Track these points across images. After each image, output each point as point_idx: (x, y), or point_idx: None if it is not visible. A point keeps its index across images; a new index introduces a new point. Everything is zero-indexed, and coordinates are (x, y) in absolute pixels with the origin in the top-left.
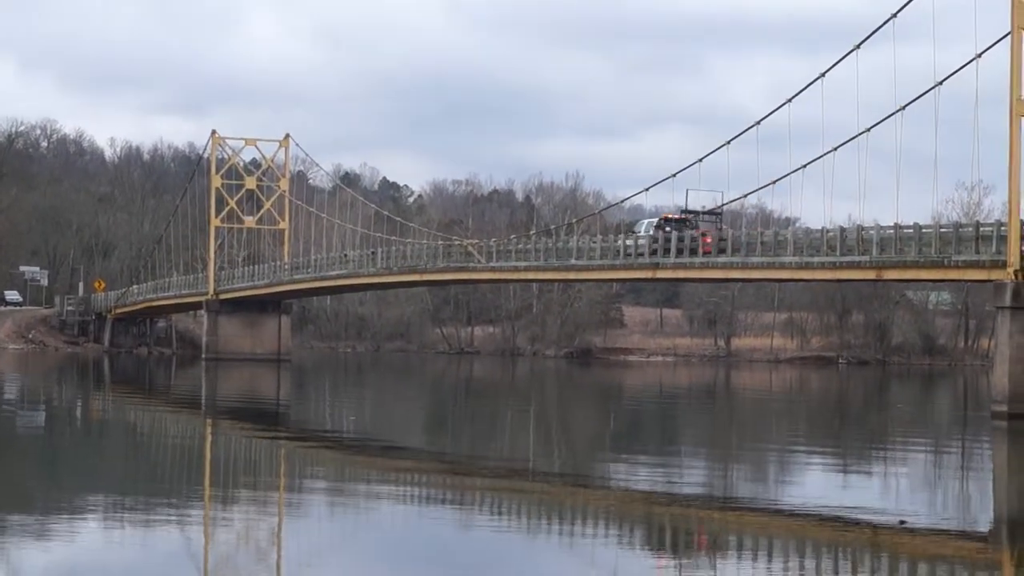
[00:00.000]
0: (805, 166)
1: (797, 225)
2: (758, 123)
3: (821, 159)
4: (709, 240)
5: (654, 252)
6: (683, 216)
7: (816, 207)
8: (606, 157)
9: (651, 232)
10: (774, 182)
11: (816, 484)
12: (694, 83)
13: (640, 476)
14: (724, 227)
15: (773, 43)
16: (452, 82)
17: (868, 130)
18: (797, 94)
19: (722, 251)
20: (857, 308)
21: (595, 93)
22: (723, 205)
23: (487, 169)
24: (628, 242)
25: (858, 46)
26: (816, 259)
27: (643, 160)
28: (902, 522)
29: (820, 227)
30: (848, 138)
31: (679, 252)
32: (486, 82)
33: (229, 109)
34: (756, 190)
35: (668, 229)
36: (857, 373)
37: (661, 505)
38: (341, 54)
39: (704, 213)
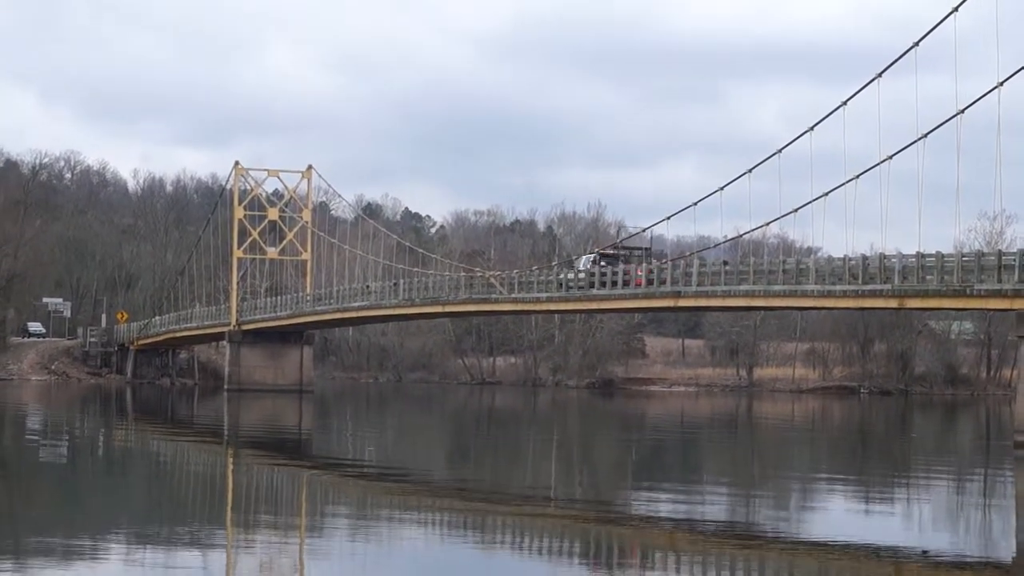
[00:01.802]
0: (827, 194)
1: (819, 254)
2: (780, 151)
3: (843, 188)
4: (640, 273)
5: (591, 285)
6: (616, 252)
7: (837, 237)
8: (625, 186)
9: (588, 267)
10: (796, 210)
11: (838, 515)
12: (711, 112)
13: (662, 506)
14: (654, 261)
15: (790, 72)
16: (473, 112)
17: (890, 158)
18: (820, 122)
19: (650, 282)
20: (879, 338)
21: (614, 122)
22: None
23: (509, 199)
24: (570, 275)
25: (880, 74)
26: (838, 287)
27: (662, 189)
28: (925, 553)
29: (842, 255)
30: (868, 167)
31: (614, 284)
32: (507, 111)
33: (251, 140)
34: (777, 219)
35: (604, 264)
36: (879, 403)
37: (683, 534)
38: (362, 85)
39: (634, 249)
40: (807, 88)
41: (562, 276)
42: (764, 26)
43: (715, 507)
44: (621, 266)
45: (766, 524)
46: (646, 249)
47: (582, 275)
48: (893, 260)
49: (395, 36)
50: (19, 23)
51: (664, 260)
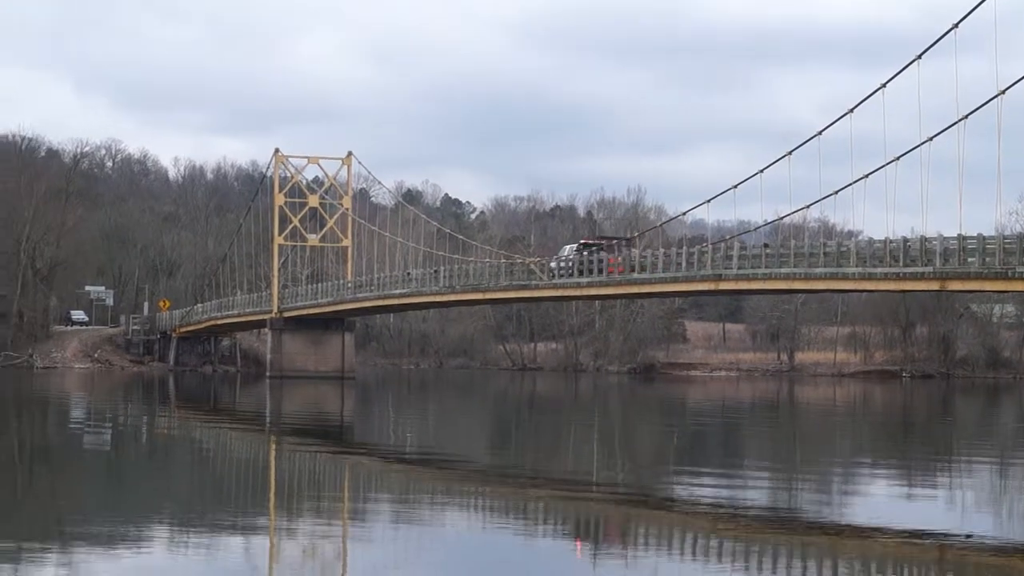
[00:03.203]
0: (867, 176)
1: (859, 238)
2: (819, 134)
3: (883, 170)
4: (614, 261)
5: (571, 273)
6: (597, 241)
7: (877, 220)
8: (662, 171)
9: (571, 255)
10: (836, 192)
11: (881, 499)
12: (747, 97)
13: (704, 492)
14: (634, 250)
15: (826, 57)
16: (510, 99)
17: (930, 139)
18: (859, 104)
19: (632, 269)
20: (921, 321)
21: (648, 108)
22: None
23: (549, 185)
24: (552, 264)
25: (920, 56)
26: (879, 270)
27: (699, 174)
28: (968, 536)
29: (883, 238)
30: (908, 149)
31: (591, 271)
32: (543, 98)
33: (289, 128)
34: (818, 201)
35: (586, 253)
36: (921, 387)
37: (725, 521)
38: (398, 73)
39: (614, 239)
40: (842, 74)
41: (552, 264)
42: (799, 11)
43: (757, 492)
44: (600, 254)
45: (808, 509)
46: (625, 239)
47: (563, 263)
48: (934, 242)
49: (429, 24)
50: (57, 13)
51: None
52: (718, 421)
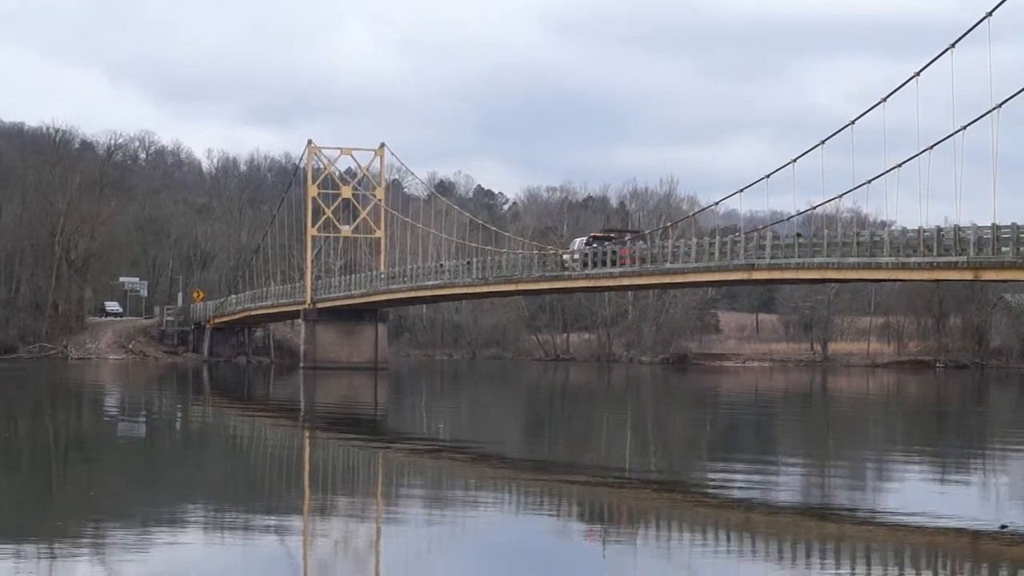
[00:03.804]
0: (900, 165)
1: (892, 227)
2: (852, 123)
3: (916, 160)
4: (625, 253)
5: (585, 264)
6: (607, 234)
7: (910, 210)
8: (695, 162)
9: (583, 248)
10: (869, 181)
11: (914, 490)
12: (778, 87)
13: (737, 482)
14: (640, 243)
15: (855, 46)
16: (544, 89)
17: (964, 128)
18: (892, 93)
19: (643, 261)
20: (954, 311)
21: (683, 98)
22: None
23: (581, 175)
24: (565, 256)
25: (953, 45)
26: (913, 259)
27: (731, 164)
28: (1003, 527)
29: (916, 227)
30: (941, 138)
31: (602, 264)
32: (574, 89)
33: (321, 119)
34: (851, 190)
35: (596, 245)
36: (955, 377)
37: (758, 512)
38: (433, 62)
39: (624, 231)
40: (873, 63)
41: (564, 256)
42: (830, 1)
43: (790, 483)
44: (608, 245)
45: (842, 500)
46: (634, 232)
47: (576, 255)
48: (968, 232)
49: (461, 16)
50: (90, 4)
51: (647, 240)
52: (751, 411)
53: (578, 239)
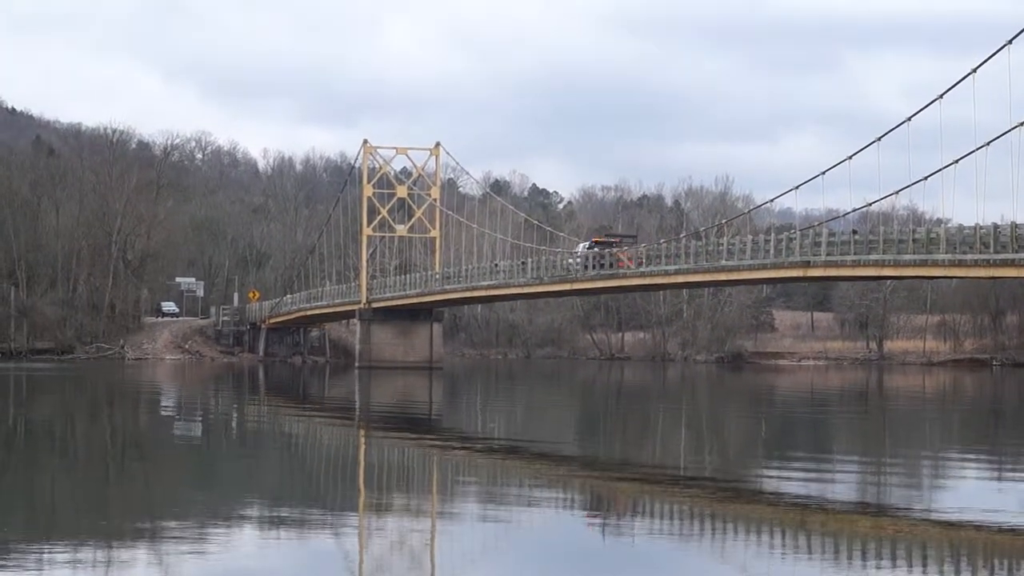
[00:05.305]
0: (957, 162)
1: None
2: (908, 120)
3: (972, 157)
4: (623, 256)
5: (587, 267)
6: (607, 239)
7: (965, 207)
8: (749, 159)
9: (586, 252)
10: (925, 178)
11: (971, 488)
12: (829, 83)
13: (792, 482)
14: (639, 247)
15: (908, 43)
16: (598, 87)
17: (1021, 124)
18: (949, 90)
19: (640, 263)
20: (1011, 309)
21: (737, 95)
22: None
23: (636, 174)
24: (569, 260)
25: (1010, 41)
26: (969, 256)
27: (785, 162)
28: None
29: (972, 224)
30: (997, 135)
31: (601, 266)
32: (632, 86)
33: (374, 118)
34: (907, 187)
35: (597, 249)
36: (1012, 375)
37: (813, 512)
38: (487, 60)
39: (624, 236)
40: (926, 60)
41: (569, 260)
42: None
43: (846, 482)
44: (609, 250)
45: (897, 499)
46: (632, 236)
47: (579, 259)
48: None
49: (512, 13)
50: (143, 6)
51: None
52: (806, 410)
53: (581, 244)
